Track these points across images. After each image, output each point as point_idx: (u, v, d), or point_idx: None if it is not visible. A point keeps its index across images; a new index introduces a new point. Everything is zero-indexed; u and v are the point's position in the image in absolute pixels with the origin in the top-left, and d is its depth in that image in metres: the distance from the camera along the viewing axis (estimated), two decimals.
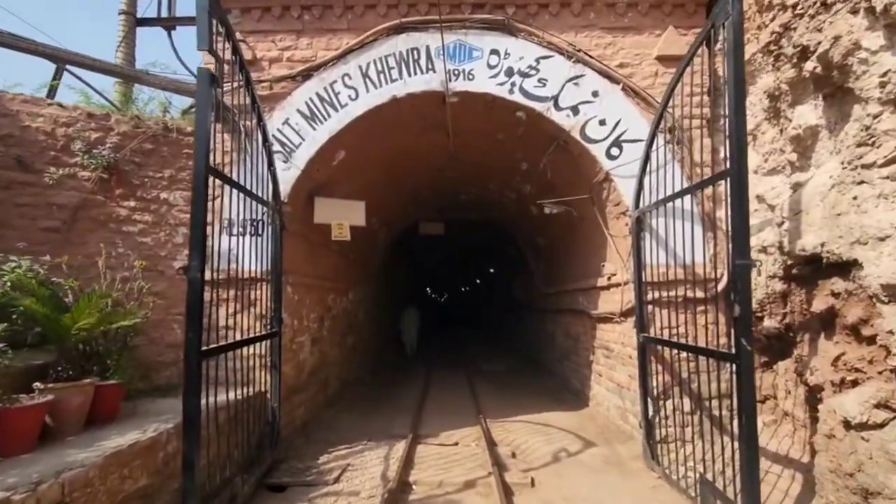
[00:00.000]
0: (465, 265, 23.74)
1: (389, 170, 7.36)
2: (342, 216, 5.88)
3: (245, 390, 4.44)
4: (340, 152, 5.78)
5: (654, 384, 4.90)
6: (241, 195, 4.35)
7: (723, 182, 3.47)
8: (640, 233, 5.06)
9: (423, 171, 8.15)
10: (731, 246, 3.25)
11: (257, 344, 4.56)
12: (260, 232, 5.08)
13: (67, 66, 5.37)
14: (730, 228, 3.25)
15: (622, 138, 5.25)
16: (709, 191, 5.00)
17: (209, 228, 5.10)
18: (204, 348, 3.22)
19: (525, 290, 11.92)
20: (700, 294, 4.75)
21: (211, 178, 3.27)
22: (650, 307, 4.99)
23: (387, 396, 8.23)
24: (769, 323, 4.74)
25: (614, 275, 5.90)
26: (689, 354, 4.42)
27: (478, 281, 28.36)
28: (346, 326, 8.31)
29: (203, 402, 3.16)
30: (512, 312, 14.92)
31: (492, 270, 20.66)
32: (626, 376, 5.59)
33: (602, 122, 5.27)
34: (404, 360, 11.87)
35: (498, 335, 18.29)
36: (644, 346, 4.96)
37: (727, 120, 3.31)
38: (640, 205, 5.00)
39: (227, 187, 4.05)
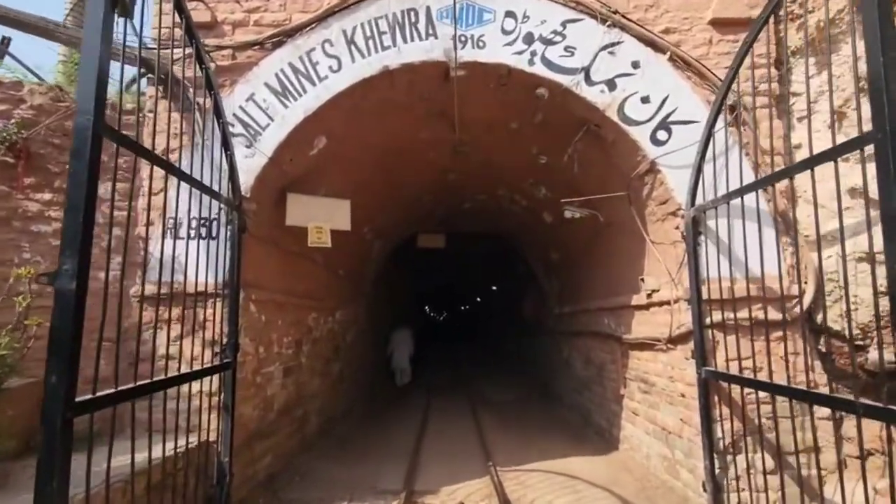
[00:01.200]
0: (468, 282, 22.52)
1: (383, 169, 6.30)
2: (322, 217, 4.79)
3: (184, 441, 3.30)
4: (320, 139, 4.72)
5: (722, 433, 3.74)
6: (192, 189, 3.30)
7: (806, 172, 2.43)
8: (697, 237, 3.97)
9: (423, 173, 7.10)
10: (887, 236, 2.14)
11: (202, 379, 3.44)
12: (214, 234, 4.00)
13: None
14: (881, 210, 2.16)
15: (671, 119, 4.19)
16: (782, 185, 3.96)
17: (150, 230, 4.09)
18: (80, 399, 2.09)
19: (535, 310, 10.78)
20: (776, 315, 3.65)
21: (140, 160, 2.17)
22: (711, 332, 3.87)
23: (379, 434, 7.02)
24: (874, 355, 3.63)
25: (656, 291, 4.79)
26: (772, 395, 3.30)
27: (481, 299, 27.14)
28: (331, 351, 7.15)
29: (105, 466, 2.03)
30: (520, 334, 13.72)
31: (496, 288, 19.50)
32: (676, 419, 4.43)
33: (645, 100, 4.23)
34: (398, 389, 10.67)
35: (505, 358, 17.02)
36: (707, 382, 3.81)
37: (870, 66, 2.24)
38: (698, 201, 3.92)
39: (173, 179, 3.04)
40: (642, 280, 4.96)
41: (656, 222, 4.59)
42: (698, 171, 3.88)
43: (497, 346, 19.26)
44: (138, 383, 2.68)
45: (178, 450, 3.39)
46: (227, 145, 3.85)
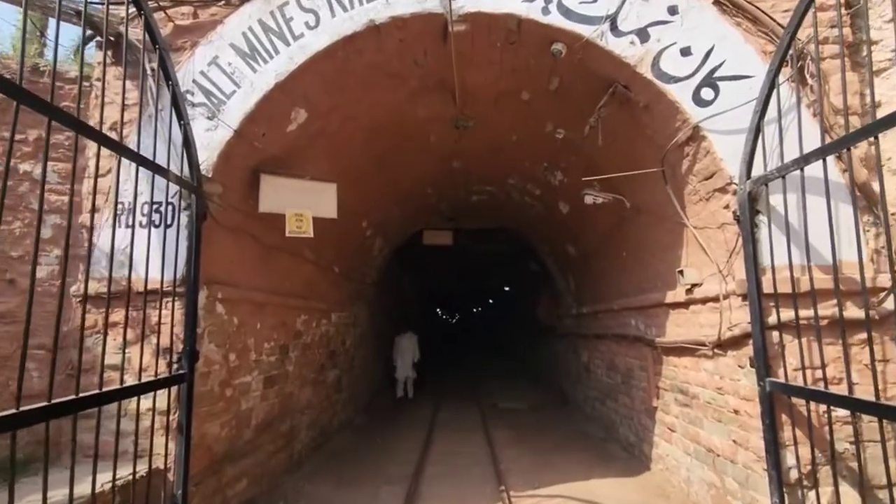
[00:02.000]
0: (478, 283, 21.67)
1: (377, 152, 5.62)
2: (302, 203, 4.12)
3: (129, 470, 2.66)
4: (298, 111, 4.05)
5: (797, 460, 2.96)
6: (138, 168, 2.71)
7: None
8: (754, 216, 3.21)
9: (424, 160, 6.41)
10: None
11: (153, 394, 2.80)
12: (170, 222, 3.35)
13: None
14: None
15: (718, 74, 3.44)
16: (860, 150, 3.21)
17: (95, 218, 3.45)
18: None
19: (550, 311, 10.00)
20: (858, 312, 2.89)
21: None
22: (777, 334, 3.11)
23: (378, 449, 6.32)
24: None
25: (698, 285, 4.02)
26: (852, 413, 2.56)
27: (492, 301, 26.31)
28: (326, 357, 6.48)
29: None
30: (534, 337, 12.94)
31: (508, 289, 18.75)
32: (726, 440, 3.65)
33: (685, 52, 3.48)
34: (401, 400, 9.95)
35: (517, 363, 16.25)
36: (772, 397, 3.05)
37: None
38: (756, 172, 3.16)
39: (118, 159, 2.47)
40: (680, 273, 4.19)
41: (698, 202, 3.83)
42: (756, 134, 3.12)
43: (510, 350, 18.51)
44: (58, 400, 2.04)
45: (117, 481, 2.77)
46: (180, 113, 3.20)
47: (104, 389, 2.42)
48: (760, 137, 3.10)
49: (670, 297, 4.49)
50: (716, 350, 3.72)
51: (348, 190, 5.18)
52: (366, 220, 7.30)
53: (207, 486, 3.58)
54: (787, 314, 3.02)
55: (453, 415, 8.60)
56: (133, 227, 3.02)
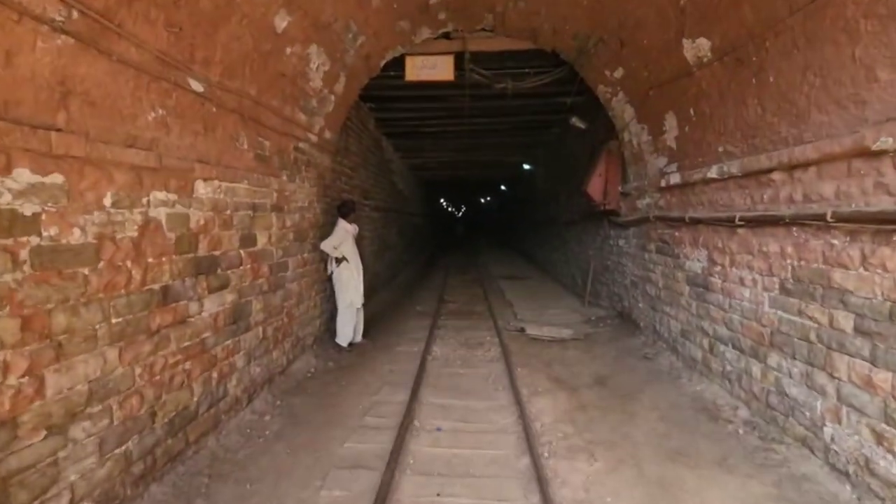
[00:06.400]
0: (495, 156, 14.15)
1: None
2: None
3: None
4: None
5: None
6: None
7: None
8: None
9: None
10: None
11: None
12: None
13: None
14: None
15: None
16: None
17: None
18: None
19: (609, 189, 6.35)
20: None
21: None
22: None
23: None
24: None
25: None
26: None
27: (517, 178, 18.16)
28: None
29: None
30: (576, 231, 9.48)
31: (536, 160, 14.95)
32: None
33: None
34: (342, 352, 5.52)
35: (549, 269, 12.96)
36: None
37: None
38: None
39: None
40: None
41: None
42: None
43: (539, 248, 15.18)
44: None
45: None
46: None
47: None
48: None
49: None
50: None
51: None
52: (284, 7, 3.48)
53: None
54: None
55: (460, 347, 5.46)
56: None
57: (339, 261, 5.40)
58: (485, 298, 8.67)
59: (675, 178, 4.57)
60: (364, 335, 5.88)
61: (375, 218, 9.27)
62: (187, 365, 3.03)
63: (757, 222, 3.32)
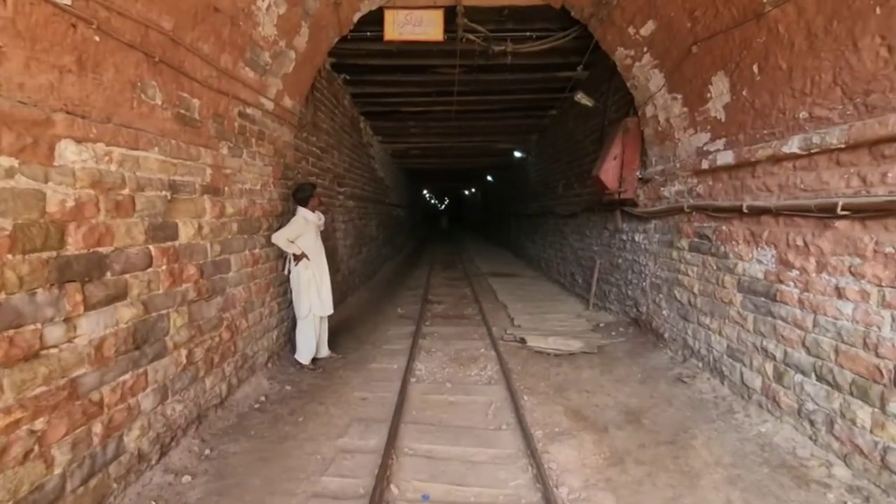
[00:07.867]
0: (485, 139, 12.12)
1: None
2: None
3: None
4: None
5: None
6: None
7: None
8: None
9: None
10: None
11: None
12: None
13: None
14: None
15: None
16: None
17: None
18: None
19: (626, 174, 5.41)
20: None
21: None
22: None
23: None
24: None
25: None
26: None
27: (510, 163, 15.45)
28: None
29: None
30: (578, 225, 8.57)
31: (520, 154, 13.99)
32: None
33: None
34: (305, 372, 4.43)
35: (546, 267, 12.11)
36: None
37: None
38: None
39: None
40: None
41: None
42: None
43: (530, 243, 14.30)
44: None
45: None
46: None
47: None
48: None
49: None
50: None
51: None
52: None
53: None
54: None
55: (449, 361, 4.49)
56: None
57: (297, 258, 4.34)
58: (475, 299, 7.69)
59: (723, 158, 3.63)
60: (332, 347, 4.85)
61: (351, 207, 8.18)
62: (38, 423, 1.98)
63: (875, 211, 2.40)
